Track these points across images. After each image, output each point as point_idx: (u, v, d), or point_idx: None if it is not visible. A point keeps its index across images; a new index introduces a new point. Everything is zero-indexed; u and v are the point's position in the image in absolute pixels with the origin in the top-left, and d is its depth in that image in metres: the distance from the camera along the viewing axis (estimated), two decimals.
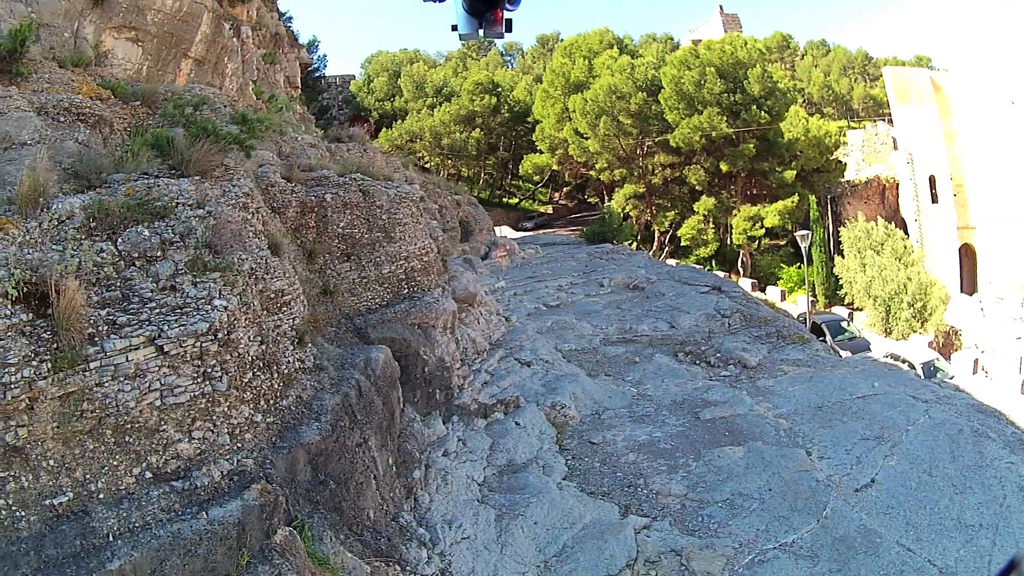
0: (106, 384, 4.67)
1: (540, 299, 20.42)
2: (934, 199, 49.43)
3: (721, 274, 39.60)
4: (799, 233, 28.91)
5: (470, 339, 11.87)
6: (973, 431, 11.03)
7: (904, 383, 13.82)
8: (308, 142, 13.85)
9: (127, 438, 4.73)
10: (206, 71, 16.04)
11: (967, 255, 51.88)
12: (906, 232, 49.03)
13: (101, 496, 4.55)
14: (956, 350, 33.73)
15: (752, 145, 40.31)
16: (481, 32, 5.02)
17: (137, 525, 4.50)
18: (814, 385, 13.25)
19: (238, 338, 5.51)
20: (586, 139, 44.23)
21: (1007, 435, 11.25)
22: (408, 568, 6.08)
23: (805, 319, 27.05)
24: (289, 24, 33.47)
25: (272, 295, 6.55)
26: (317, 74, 58.10)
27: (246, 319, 5.78)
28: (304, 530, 5.21)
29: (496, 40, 56.02)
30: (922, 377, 20.36)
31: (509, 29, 4.96)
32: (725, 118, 39.93)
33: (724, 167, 41.69)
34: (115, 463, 4.65)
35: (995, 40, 44.95)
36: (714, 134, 39.92)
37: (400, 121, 57.79)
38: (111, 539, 4.39)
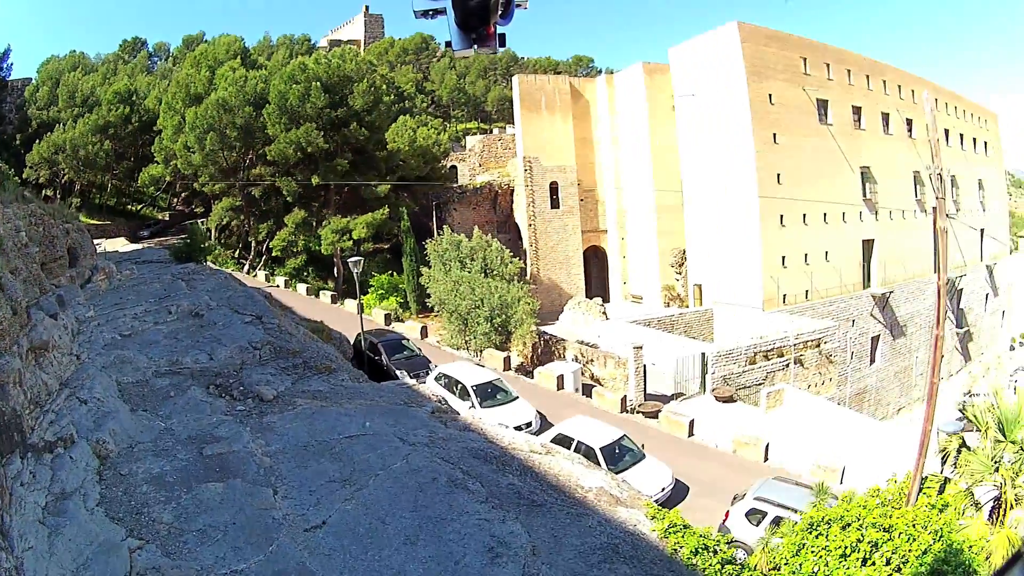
0: None
1: (117, 328, 21.71)
2: (555, 204, 57.62)
3: (304, 288, 46.10)
4: (351, 260, 30.32)
5: (43, 383, 13.75)
6: (450, 480, 12.52)
7: (405, 421, 15.72)
8: None
9: None
10: None
11: (597, 257, 61.71)
12: (519, 237, 56.75)
13: None
14: (558, 359, 36.87)
15: (347, 160, 46.86)
16: (475, 47, 5.68)
17: None
18: (312, 423, 15.03)
19: None
20: (193, 152, 48.48)
21: (500, 486, 12.73)
22: None
23: (362, 339, 29.73)
24: None
25: None
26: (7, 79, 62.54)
27: None
28: None
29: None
30: (475, 400, 23.87)
31: (502, 44, 5.65)
32: (323, 133, 45.97)
33: (316, 180, 47.31)
34: None
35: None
36: (309, 148, 45.69)
37: (50, 133, 61.77)
38: None
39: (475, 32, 5.52)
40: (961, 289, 65.36)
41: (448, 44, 5.73)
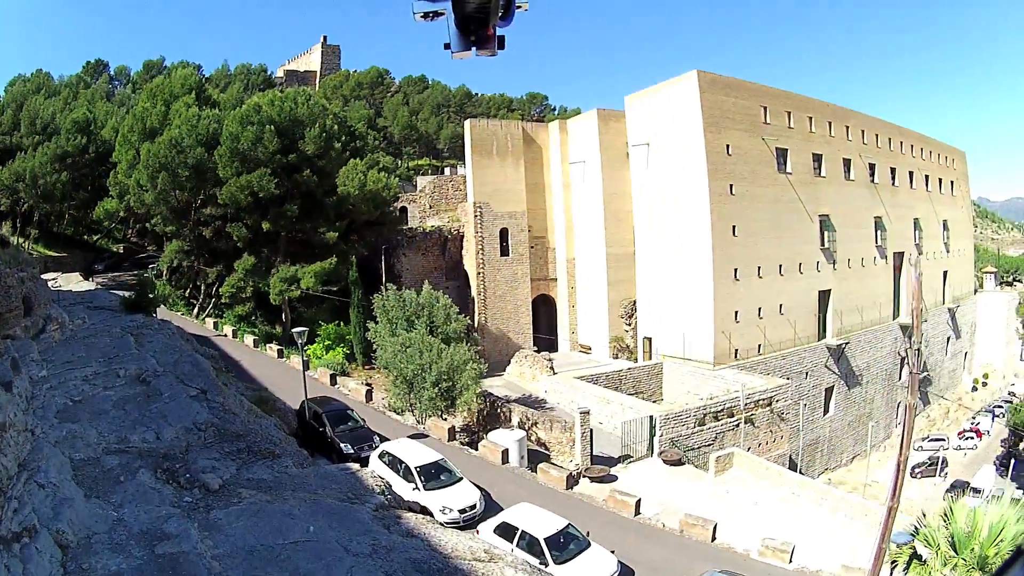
0: None
1: (68, 393, 21.79)
2: (504, 251, 59.13)
3: (251, 340, 47.00)
4: (295, 330, 31.22)
5: (4, 467, 13.63)
6: None
7: (348, 526, 15.67)
8: None
9: None
10: None
11: (547, 306, 63.17)
12: (468, 284, 58.26)
13: None
14: (504, 422, 37.69)
15: (296, 206, 48.33)
16: (473, 49, 5.75)
17: None
18: (258, 522, 14.96)
19: None
20: (146, 191, 49.35)
21: None
22: None
23: (306, 408, 30.20)
24: None
25: None
26: None
27: None
28: None
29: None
30: (419, 482, 24.27)
31: (502, 46, 5.73)
32: (275, 178, 47.28)
33: (267, 226, 48.83)
34: None
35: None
36: (261, 194, 47.00)
37: (12, 161, 62.91)
38: None
39: (474, 34, 5.65)
40: (921, 334, 67.27)
41: (447, 46, 5.82)
